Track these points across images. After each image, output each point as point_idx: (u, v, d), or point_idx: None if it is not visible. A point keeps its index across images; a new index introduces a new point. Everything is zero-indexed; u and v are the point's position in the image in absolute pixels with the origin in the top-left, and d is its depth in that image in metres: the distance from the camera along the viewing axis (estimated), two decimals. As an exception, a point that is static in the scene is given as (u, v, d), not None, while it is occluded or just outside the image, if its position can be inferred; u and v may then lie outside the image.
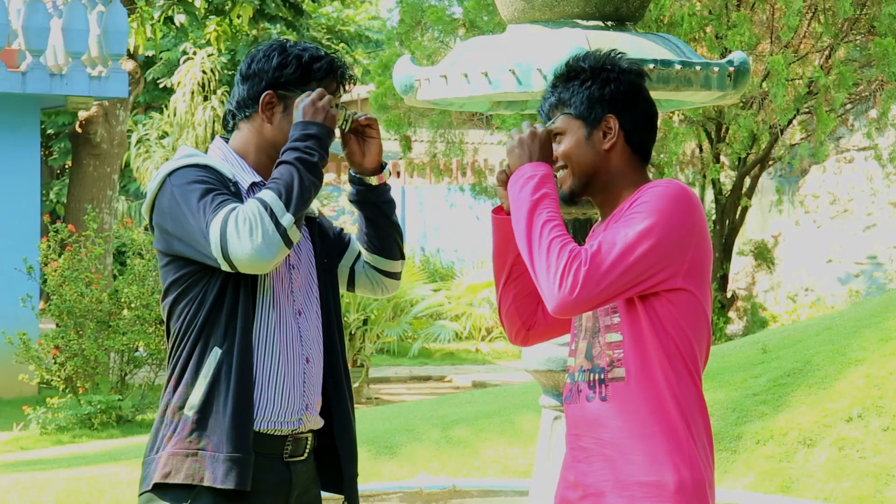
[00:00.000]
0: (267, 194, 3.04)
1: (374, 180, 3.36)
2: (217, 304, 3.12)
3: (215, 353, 3.10)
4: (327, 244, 3.39)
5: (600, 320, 3.01)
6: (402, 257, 3.46)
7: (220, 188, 3.09)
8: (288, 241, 3.03)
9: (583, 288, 2.84)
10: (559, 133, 3.08)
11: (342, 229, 3.48)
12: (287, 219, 3.02)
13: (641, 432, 2.94)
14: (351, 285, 3.46)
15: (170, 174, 3.13)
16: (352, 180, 3.41)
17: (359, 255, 3.44)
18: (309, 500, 3.28)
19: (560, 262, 2.85)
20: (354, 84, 3.32)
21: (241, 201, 3.11)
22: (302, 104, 3.17)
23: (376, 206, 3.39)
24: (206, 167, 3.13)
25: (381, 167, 3.37)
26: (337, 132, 3.34)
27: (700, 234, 2.96)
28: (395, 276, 3.46)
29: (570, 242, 2.89)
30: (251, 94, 3.23)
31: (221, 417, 3.08)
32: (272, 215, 3.01)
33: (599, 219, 3.12)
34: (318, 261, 3.33)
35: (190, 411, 3.09)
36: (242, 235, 2.99)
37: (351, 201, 3.42)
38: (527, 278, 3.17)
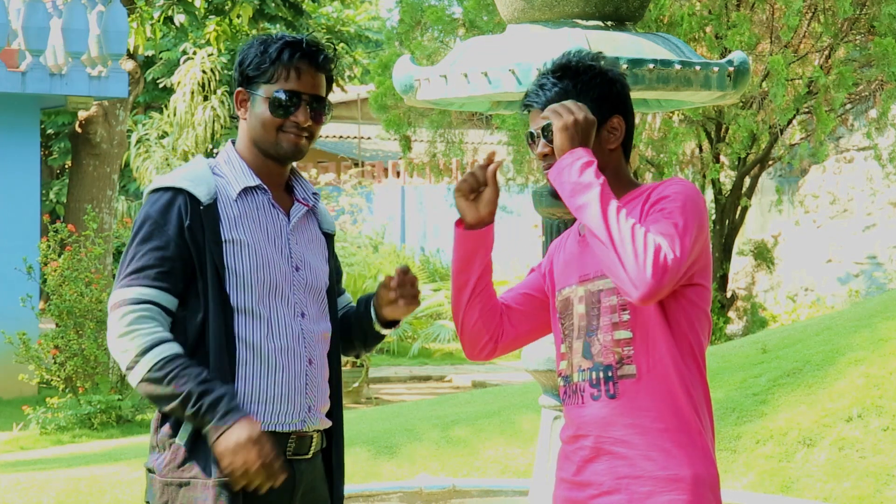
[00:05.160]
0: (155, 352, 3.04)
1: (382, 330, 3.42)
2: (202, 334, 3.12)
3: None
4: (332, 272, 3.39)
5: (602, 318, 3.00)
6: (356, 357, 3.57)
7: (160, 237, 3.09)
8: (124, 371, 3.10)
9: (671, 275, 2.83)
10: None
11: (344, 291, 3.48)
12: (133, 376, 3.06)
13: (655, 427, 2.94)
14: None
15: (150, 194, 3.18)
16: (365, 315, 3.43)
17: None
18: (315, 498, 3.27)
19: (648, 250, 2.81)
20: (324, 60, 3.24)
21: (215, 213, 3.12)
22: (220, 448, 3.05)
23: (367, 333, 3.45)
24: (179, 191, 3.12)
25: (394, 323, 3.41)
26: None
27: (708, 231, 3.00)
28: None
29: (647, 229, 2.86)
30: (233, 94, 3.30)
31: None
32: (135, 358, 3.05)
33: None
34: (331, 266, 3.35)
35: (181, 440, 3.10)
36: (115, 330, 3.07)
37: (357, 312, 3.43)
38: (490, 291, 3.17)
